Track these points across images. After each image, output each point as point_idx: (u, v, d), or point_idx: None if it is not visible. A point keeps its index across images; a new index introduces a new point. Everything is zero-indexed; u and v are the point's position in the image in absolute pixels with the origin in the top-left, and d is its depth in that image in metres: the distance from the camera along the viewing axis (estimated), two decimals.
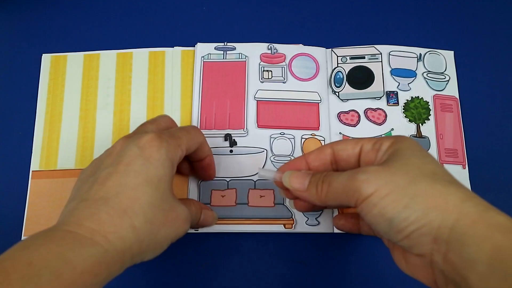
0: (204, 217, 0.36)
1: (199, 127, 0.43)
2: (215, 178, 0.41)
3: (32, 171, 0.42)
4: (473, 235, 0.23)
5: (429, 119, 0.44)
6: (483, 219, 0.24)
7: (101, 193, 0.28)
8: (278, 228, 0.40)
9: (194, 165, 0.39)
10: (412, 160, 0.27)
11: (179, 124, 0.44)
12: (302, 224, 0.40)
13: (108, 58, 0.46)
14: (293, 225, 0.40)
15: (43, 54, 0.47)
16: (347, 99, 0.45)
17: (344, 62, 0.46)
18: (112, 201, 0.27)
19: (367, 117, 0.44)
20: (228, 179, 0.41)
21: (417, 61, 0.46)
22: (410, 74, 0.46)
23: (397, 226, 0.25)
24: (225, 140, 0.43)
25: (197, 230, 0.40)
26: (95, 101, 0.45)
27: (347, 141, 0.32)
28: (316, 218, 0.41)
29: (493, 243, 0.23)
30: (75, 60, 0.46)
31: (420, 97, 0.45)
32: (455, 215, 0.24)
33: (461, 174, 0.43)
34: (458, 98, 0.45)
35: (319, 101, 0.44)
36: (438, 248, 0.25)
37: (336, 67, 0.46)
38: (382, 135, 0.43)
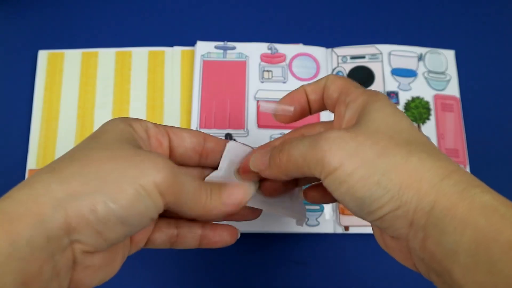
0: (228, 192, 0.27)
1: (198, 126, 0.43)
2: None
3: (29, 169, 0.42)
4: (453, 220, 0.20)
5: (429, 119, 0.44)
6: (464, 201, 0.20)
7: None
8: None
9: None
10: (383, 126, 0.23)
11: (178, 125, 0.44)
12: None
13: (106, 56, 0.46)
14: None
15: (39, 51, 0.46)
16: None
17: (344, 62, 0.46)
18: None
19: None
20: None
21: (418, 61, 0.46)
22: (410, 73, 0.46)
23: (369, 207, 0.22)
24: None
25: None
26: (93, 99, 0.44)
27: (336, 81, 0.27)
28: (316, 218, 0.40)
29: (475, 229, 0.19)
30: (72, 57, 0.46)
31: (421, 97, 0.45)
32: (432, 197, 0.21)
33: None
34: (459, 97, 0.46)
35: None
36: (414, 234, 0.21)
37: (336, 67, 0.46)
38: None
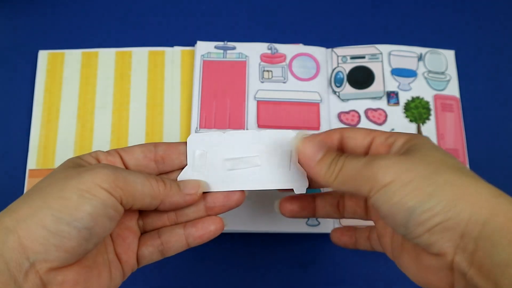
0: (175, 188, 0.28)
1: (198, 126, 0.43)
2: None
3: (29, 169, 0.42)
4: (509, 234, 0.21)
5: (429, 119, 0.44)
6: None
7: None
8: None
9: None
10: (432, 153, 0.24)
11: (178, 125, 0.44)
12: (302, 224, 0.40)
13: (107, 56, 0.46)
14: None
15: (39, 51, 0.46)
16: (348, 99, 0.45)
17: (344, 62, 0.46)
18: None
19: (367, 117, 0.44)
20: None
21: (418, 61, 0.46)
22: (410, 73, 0.46)
23: (419, 217, 0.22)
24: None
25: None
26: (93, 99, 0.44)
27: (358, 130, 0.29)
28: (316, 218, 0.40)
29: None
30: (73, 57, 0.46)
31: (420, 97, 0.45)
32: (487, 210, 0.21)
33: None
34: (459, 97, 0.46)
35: (320, 101, 0.44)
36: (464, 246, 0.22)
37: (336, 67, 0.45)
38: None
